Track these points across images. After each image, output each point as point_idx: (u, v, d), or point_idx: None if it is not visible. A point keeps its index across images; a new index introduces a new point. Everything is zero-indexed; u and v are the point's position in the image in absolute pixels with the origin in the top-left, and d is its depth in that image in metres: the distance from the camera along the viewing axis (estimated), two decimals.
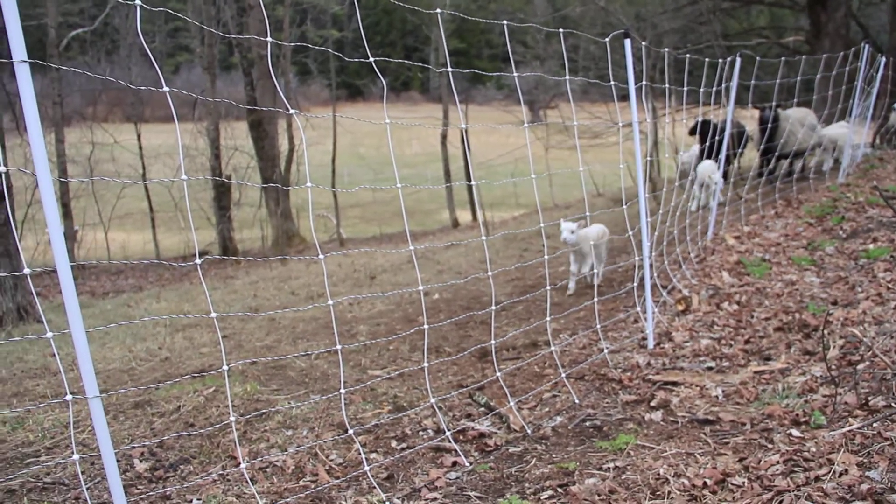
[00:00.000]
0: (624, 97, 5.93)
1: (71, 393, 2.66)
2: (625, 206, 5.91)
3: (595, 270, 7.83)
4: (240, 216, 26.16)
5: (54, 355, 8.47)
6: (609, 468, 3.61)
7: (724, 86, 8.63)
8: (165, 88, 2.81)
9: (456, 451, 4.07)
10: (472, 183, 5.47)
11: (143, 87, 3.24)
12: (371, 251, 4.73)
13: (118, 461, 4.46)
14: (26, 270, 2.26)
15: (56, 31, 22.88)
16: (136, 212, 29.06)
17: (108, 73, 28.22)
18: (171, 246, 27.20)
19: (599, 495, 3.29)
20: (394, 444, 4.38)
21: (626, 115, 6.88)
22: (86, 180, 2.84)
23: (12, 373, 7.98)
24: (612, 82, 5.76)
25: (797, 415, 3.97)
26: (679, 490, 3.25)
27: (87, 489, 4.10)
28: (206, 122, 24.77)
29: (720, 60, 8.36)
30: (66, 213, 22.52)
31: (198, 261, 2.92)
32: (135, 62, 31.29)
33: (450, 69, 4.53)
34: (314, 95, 47.94)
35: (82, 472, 4.38)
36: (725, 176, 11.15)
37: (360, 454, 4.19)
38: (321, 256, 3.46)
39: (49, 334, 2.56)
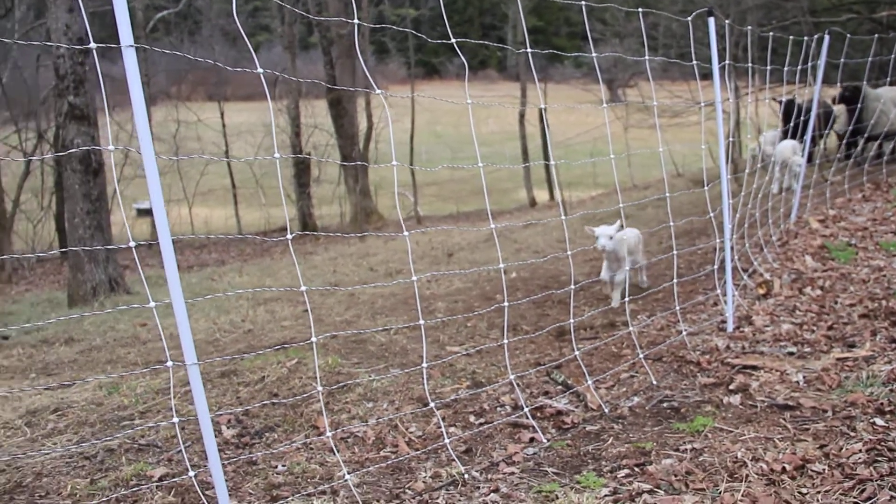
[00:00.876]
0: (705, 76, 5.85)
1: (170, 360, 2.81)
2: (706, 187, 5.85)
3: (643, 278, 7.50)
4: (319, 193, 26.58)
5: (144, 325, 8.81)
6: (686, 449, 3.62)
7: (810, 64, 8.41)
8: (259, 70, 2.92)
9: (533, 427, 4.13)
10: (552, 163, 5.41)
11: (237, 69, 3.36)
12: (449, 229, 4.80)
13: None
14: (132, 244, 2.39)
15: (143, 13, 23.52)
16: (219, 188, 29.77)
17: (192, 53, 28.86)
18: (252, 222, 27.82)
19: (676, 476, 3.31)
20: (472, 418, 4.46)
21: (708, 94, 6.78)
22: (185, 157, 2.97)
23: (105, 341, 8.34)
24: (695, 62, 5.69)
25: (882, 404, 3.90)
26: (757, 474, 3.24)
27: (179, 451, 4.30)
28: (286, 101, 25.19)
29: (806, 38, 8.14)
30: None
31: (289, 236, 3.03)
32: (216, 42, 31.95)
33: (529, 50, 4.54)
34: (391, 74, 48.16)
35: (173, 437, 4.59)
36: (810, 158, 10.87)
37: (439, 427, 4.29)
38: (406, 233, 3.55)
39: (151, 304, 2.70)
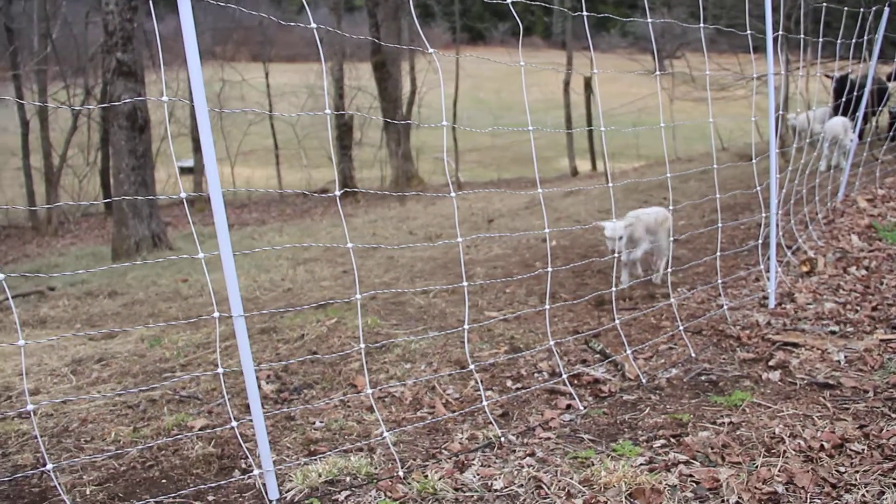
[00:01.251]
0: (756, 48, 5.72)
1: (217, 311, 2.85)
2: (754, 161, 5.76)
3: (658, 270, 6.81)
4: (360, 157, 26.63)
5: (185, 280, 8.94)
6: (723, 423, 3.61)
7: (866, 38, 8.19)
8: (313, 25, 2.91)
9: (571, 394, 4.13)
10: (602, 128, 5.30)
11: (288, 23, 3.36)
12: (497, 191, 4.74)
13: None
14: (182, 195, 2.42)
15: None
16: (260, 149, 29.93)
17: (237, 12, 28.88)
18: (292, 182, 27.97)
19: (713, 448, 3.30)
20: (509, 383, 4.49)
21: (757, 67, 6.65)
22: (236, 111, 2.99)
23: (147, 295, 8.48)
24: (749, 31, 5.58)
25: None
26: (794, 450, 3.22)
27: (219, 404, 4.38)
28: (330, 63, 25.17)
29: (863, 10, 7.92)
30: (196, 148, 23.39)
31: (337, 192, 3.04)
32: (262, 3, 31.94)
33: (584, 13, 4.49)
34: (435, 38, 47.81)
35: (213, 390, 4.68)
36: (861, 135, 10.63)
37: (476, 390, 4.32)
38: (453, 194, 3.55)
39: (200, 255, 2.74)
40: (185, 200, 2.56)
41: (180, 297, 8.12)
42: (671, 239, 6.18)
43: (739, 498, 2.79)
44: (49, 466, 2.57)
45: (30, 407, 2.39)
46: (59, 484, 2.82)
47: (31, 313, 7.99)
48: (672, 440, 3.46)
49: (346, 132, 23.52)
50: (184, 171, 29.01)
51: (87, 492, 3.26)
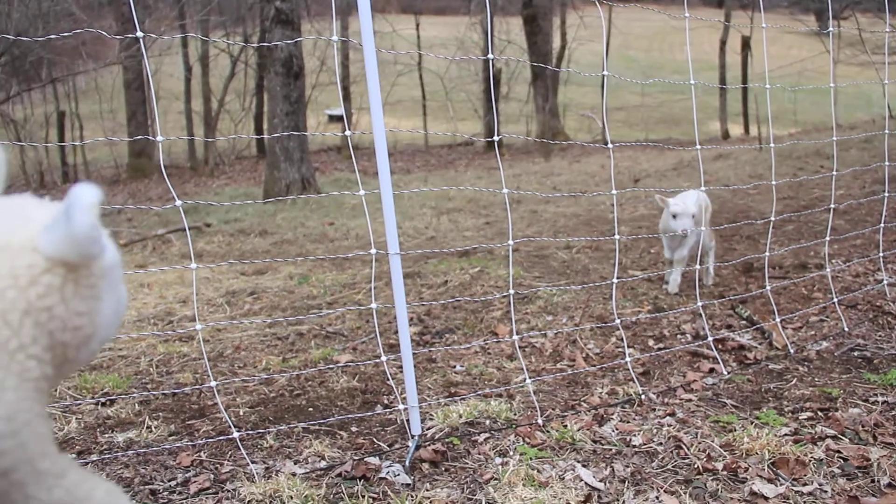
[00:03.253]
0: None
1: (374, 247, 2.92)
2: None
3: (707, 263, 5.65)
4: (506, 110, 26.54)
5: (332, 224, 9.20)
6: (877, 401, 3.43)
7: None
8: None
9: (715, 358, 4.03)
10: (768, 86, 4.97)
11: None
12: (644, 145, 4.56)
13: (390, 322, 4.85)
14: (348, 132, 2.47)
15: None
16: (407, 100, 30.24)
17: None
18: (438, 134, 28.18)
19: (863, 426, 3.15)
20: (651, 342, 4.41)
21: None
22: (399, 52, 3.01)
23: (296, 236, 8.79)
24: None
25: None
26: None
27: (363, 342, 4.51)
28: (480, 16, 25.09)
29: None
30: (346, 97, 23.89)
31: (496, 137, 3.04)
32: None
33: None
34: None
35: (358, 328, 4.82)
36: None
37: (617, 347, 4.27)
38: (611, 145, 3.48)
39: (361, 191, 2.81)
40: (349, 139, 2.61)
41: (327, 240, 8.38)
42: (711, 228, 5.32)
43: (892, 479, 2.66)
44: (213, 383, 2.72)
45: (198, 326, 2.53)
46: (219, 401, 2.98)
47: (190, 247, 8.44)
48: (819, 413, 3.33)
49: (493, 86, 23.49)
50: (333, 118, 29.72)
51: (241, 413, 3.44)
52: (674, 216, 5.03)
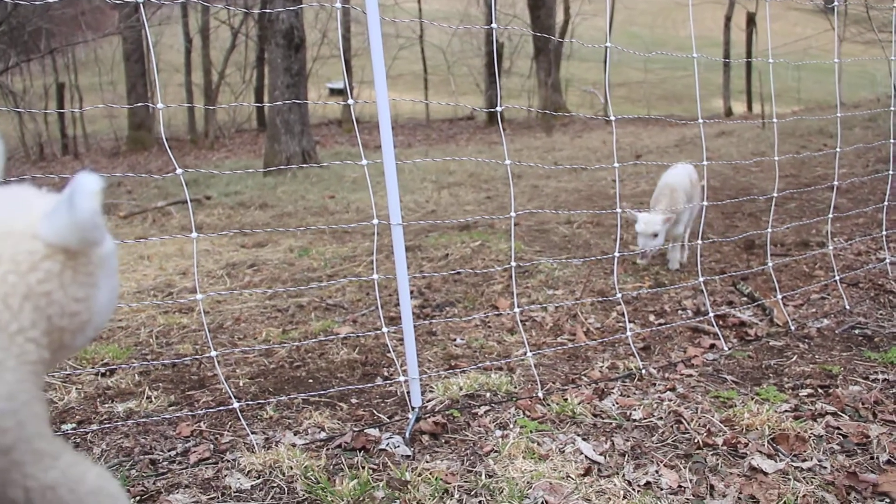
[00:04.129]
0: None
1: (377, 218, 2.90)
2: None
3: (675, 252, 5.45)
4: (507, 85, 26.42)
5: (332, 197, 9.18)
6: (877, 379, 3.42)
7: None
8: None
9: (716, 333, 4.02)
10: (770, 60, 4.91)
11: None
12: (645, 117, 4.51)
13: (391, 295, 4.84)
14: (350, 101, 2.44)
15: None
16: (408, 73, 30.09)
17: None
18: (439, 109, 28.09)
19: (863, 403, 3.14)
20: (651, 317, 4.41)
21: None
22: (404, 21, 2.98)
23: (296, 209, 8.77)
24: None
25: None
26: None
27: (363, 315, 4.51)
28: None
29: None
30: (347, 70, 23.76)
31: (499, 108, 3.02)
32: None
33: None
34: None
35: (358, 301, 4.81)
36: None
37: (617, 322, 4.26)
38: (613, 117, 3.45)
39: (364, 161, 2.78)
40: (351, 108, 2.59)
41: (327, 213, 8.36)
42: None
43: (891, 456, 2.66)
44: (213, 353, 2.71)
45: (199, 296, 2.51)
46: (219, 372, 2.98)
47: (190, 219, 8.42)
48: (820, 390, 3.32)
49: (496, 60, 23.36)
50: (334, 92, 29.58)
51: (241, 384, 3.44)
52: (637, 233, 5.14)
